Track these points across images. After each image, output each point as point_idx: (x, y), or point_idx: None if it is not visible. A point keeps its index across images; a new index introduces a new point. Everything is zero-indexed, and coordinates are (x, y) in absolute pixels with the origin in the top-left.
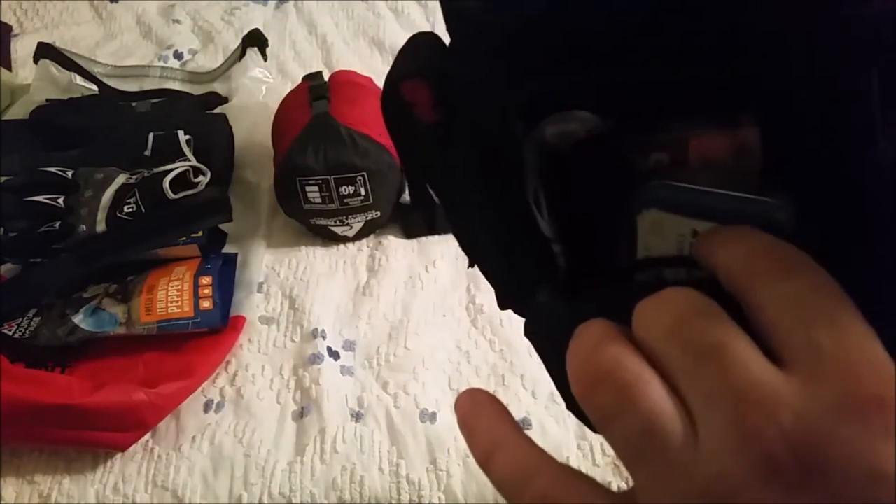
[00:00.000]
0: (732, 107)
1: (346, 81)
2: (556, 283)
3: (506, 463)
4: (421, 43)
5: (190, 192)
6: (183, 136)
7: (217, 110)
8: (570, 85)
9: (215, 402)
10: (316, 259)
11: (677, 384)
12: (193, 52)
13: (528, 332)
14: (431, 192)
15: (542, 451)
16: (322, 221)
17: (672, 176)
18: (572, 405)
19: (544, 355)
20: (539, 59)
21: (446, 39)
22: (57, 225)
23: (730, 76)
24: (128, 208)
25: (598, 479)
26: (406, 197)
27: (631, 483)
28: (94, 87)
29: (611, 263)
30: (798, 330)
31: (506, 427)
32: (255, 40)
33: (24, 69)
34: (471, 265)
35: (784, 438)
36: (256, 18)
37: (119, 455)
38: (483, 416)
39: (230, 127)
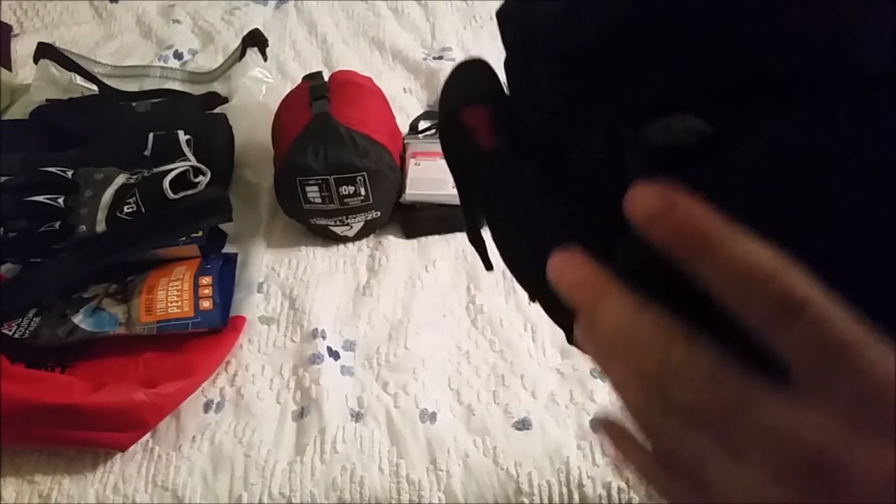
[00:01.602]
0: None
1: (346, 81)
2: None
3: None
4: (472, 69)
5: (190, 192)
6: (183, 136)
7: (217, 110)
8: (668, 87)
9: (215, 402)
10: (316, 259)
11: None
12: (193, 52)
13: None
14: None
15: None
16: (322, 221)
17: None
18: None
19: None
20: (630, 66)
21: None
22: (57, 225)
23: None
24: (128, 208)
25: (598, 479)
26: (406, 197)
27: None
28: (94, 87)
29: None
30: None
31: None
32: (255, 40)
33: (24, 69)
34: (532, 300)
35: None
36: (256, 18)
37: (119, 455)
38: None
39: (230, 127)
